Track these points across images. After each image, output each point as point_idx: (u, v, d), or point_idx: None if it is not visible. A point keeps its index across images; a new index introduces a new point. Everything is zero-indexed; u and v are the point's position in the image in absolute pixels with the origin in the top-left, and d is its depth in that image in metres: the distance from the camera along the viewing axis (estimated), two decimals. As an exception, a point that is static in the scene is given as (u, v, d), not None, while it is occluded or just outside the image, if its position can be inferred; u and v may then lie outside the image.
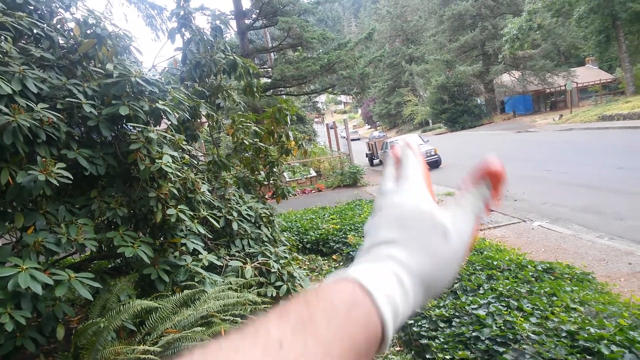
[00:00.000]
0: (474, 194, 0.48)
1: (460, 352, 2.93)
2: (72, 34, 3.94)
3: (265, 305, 4.08)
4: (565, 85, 33.93)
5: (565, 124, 27.06)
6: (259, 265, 4.62)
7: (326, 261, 6.63)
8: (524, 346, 2.73)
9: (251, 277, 4.28)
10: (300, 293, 0.40)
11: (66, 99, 3.35)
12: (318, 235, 7.33)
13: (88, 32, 3.86)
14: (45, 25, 3.72)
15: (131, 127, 3.65)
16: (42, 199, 3.20)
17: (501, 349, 2.82)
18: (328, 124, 23.69)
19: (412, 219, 0.45)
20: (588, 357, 2.57)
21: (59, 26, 3.99)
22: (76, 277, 2.85)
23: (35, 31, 3.55)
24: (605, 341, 2.63)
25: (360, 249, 0.47)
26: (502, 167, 0.47)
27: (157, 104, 3.63)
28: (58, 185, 2.99)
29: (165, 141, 3.77)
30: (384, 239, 0.44)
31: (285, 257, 5.05)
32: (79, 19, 3.89)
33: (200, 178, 4.50)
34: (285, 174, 16.91)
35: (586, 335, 2.73)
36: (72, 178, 3.12)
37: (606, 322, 2.92)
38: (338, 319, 0.36)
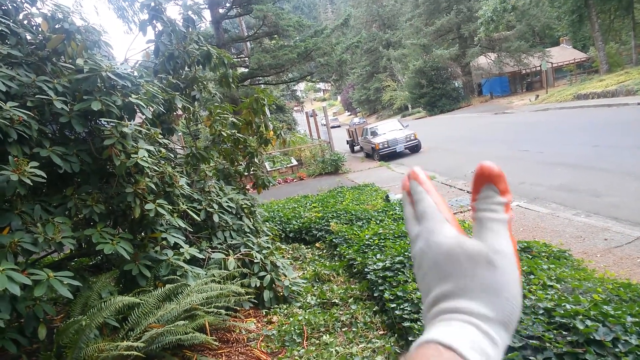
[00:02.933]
0: (486, 204, 0.46)
1: (441, 333, 2.98)
2: (39, 29, 3.85)
3: (250, 296, 4.10)
4: (540, 66, 34.26)
5: (542, 104, 27.40)
6: (241, 256, 4.63)
7: (309, 249, 6.66)
8: (503, 324, 2.79)
9: (234, 268, 4.30)
10: None
11: (36, 96, 3.29)
12: (301, 224, 7.34)
13: (56, 27, 3.78)
14: (10, 21, 3.63)
15: (105, 123, 3.60)
16: (16, 199, 3.14)
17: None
18: (307, 112, 23.60)
19: (450, 264, 0.44)
20: (564, 332, 2.64)
21: (25, 22, 3.90)
22: (55, 276, 2.83)
23: (0, 28, 3.46)
24: (581, 316, 2.70)
25: (423, 311, 0.46)
26: (494, 165, 0.46)
27: (130, 98, 3.58)
28: (32, 184, 2.94)
29: (140, 135, 3.72)
30: (438, 295, 0.44)
31: (268, 247, 5.07)
32: (46, 13, 3.81)
33: (178, 171, 4.47)
34: (266, 163, 16.86)
35: (562, 312, 2.79)
36: (46, 177, 3.07)
37: (581, 298, 3.00)
38: None
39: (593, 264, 4.68)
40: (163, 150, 4.20)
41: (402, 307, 3.60)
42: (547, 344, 2.54)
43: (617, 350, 2.42)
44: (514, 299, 0.42)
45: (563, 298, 3.05)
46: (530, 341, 2.55)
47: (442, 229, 0.46)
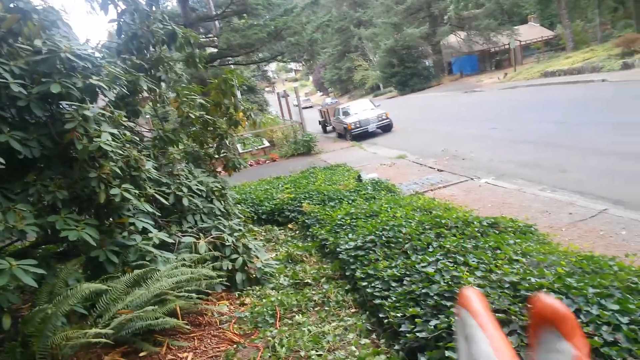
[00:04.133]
0: (548, 354, 0.39)
1: (411, 309, 3.03)
2: (-8, 9, 3.67)
3: (221, 279, 4.08)
4: (509, 44, 34.68)
5: (510, 82, 27.81)
6: (212, 239, 4.59)
7: (282, 230, 6.67)
8: (470, 299, 2.85)
9: (205, 252, 4.26)
10: None
11: (-9, 79, 3.15)
12: (273, 206, 7.33)
13: (11, 6, 3.60)
14: (-40, 0, 3.45)
15: (66, 106, 3.48)
16: (-26, 187, 3.04)
17: (449, 304, 2.95)
18: (279, 93, 23.36)
19: None
20: (529, 305, 2.71)
21: (-24, 0, 3.70)
22: (18, 264, 2.75)
23: (-52, 7, 3.29)
24: (545, 289, 2.78)
25: None
26: (558, 303, 0.39)
27: (91, 80, 3.47)
28: (-10, 171, 2.84)
29: (103, 119, 3.62)
30: None
31: (240, 230, 5.04)
32: (-2, -9, 3.62)
33: (145, 155, 4.38)
34: (237, 145, 16.69)
35: (527, 285, 2.87)
36: (5, 163, 2.97)
37: (546, 272, 3.09)
38: None
39: (558, 237, 4.82)
40: (128, 133, 4.09)
41: (373, 285, 3.64)
42: (513, 317, 2.61)
43: (579, 320, 2.50)
44: None
45: (528, 272, 3.13)
46: (497, 314, 2.61)
47: None
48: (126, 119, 4.36)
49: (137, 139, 5.00)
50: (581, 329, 0.34)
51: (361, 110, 19.47)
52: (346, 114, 19.66)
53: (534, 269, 3.22)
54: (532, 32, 40.97)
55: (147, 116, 6.94)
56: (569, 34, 31.28)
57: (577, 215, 5.56)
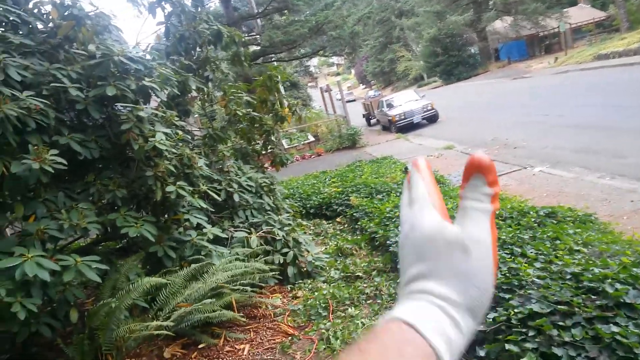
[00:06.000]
0: (472, 193, 0.47)
1: (467, 302, 2.97)
2: (49, 17, 3.84)
3: (274, 272, 4.14)
4: (558, 27, 33.21)
5: (561, 67, 26.66)
6: (263, 234, 4.66)
7: (331, 224, 6.68)
8: (530, 291, 2.75)
9: (257, 246, 4.33)
10: (353, 343, 0.41)
11: (51, 85, 3.30)
12: (321, 200, 7.36)
13: (65, 13, 3.77)
14: (21, 10, 3.63)
15: (121, 108, 3.61)
16: (39, 187, 3.20)
17: (507, 296, 2.86)
18: (322, 88, 23.36)
19: (428, 247, 0.45)
20: (593, 296, 2.59)
21: (35, 10, 3.89)
22: (82, 261, 2.88)
23: (11, 18, 3.47)
24: (610, 280, 2.64)
25: (399, 286, 0.48)
26: (484, 156, 0.47)
27: (144, 81, 3.58)
28: (53, 172, 2.98)
29: (156, 119, 3.74)
30: (414, 275, 0.45)
31: (289, 224, 5.09)
32: (55, 1, 3.79)
33: (196, 153, 4.49)
34: (283, 141, 16.84)
35: (590, 276, 2.74)
36: (66, 164, 3.11)
37: (610, 261, 2.94)
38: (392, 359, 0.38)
39: (620, 226, 4.58)
40: (180, 132, 4.21)
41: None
42: (576, 309, 2.51)
43: (648, 314, 2.37)
44: (484, 287, 0.44)
45: (591, 262, 2.99)
46: (559, 306, 2.52)
47: (427, 214, 0.48)
48: (177, 119, 4.48)
49: (189, 137, 5.14)
50: (497, 177, 0.47)
51: (405, 101, 19.16)
52: (390, 105, 19.40)
53: (597, 259, 3.07)
54: (582, 14, 39.04)
55: (196, 115, 7.12)
56: (623, 14, 29.59)
57: (639, 202, 5.28)
